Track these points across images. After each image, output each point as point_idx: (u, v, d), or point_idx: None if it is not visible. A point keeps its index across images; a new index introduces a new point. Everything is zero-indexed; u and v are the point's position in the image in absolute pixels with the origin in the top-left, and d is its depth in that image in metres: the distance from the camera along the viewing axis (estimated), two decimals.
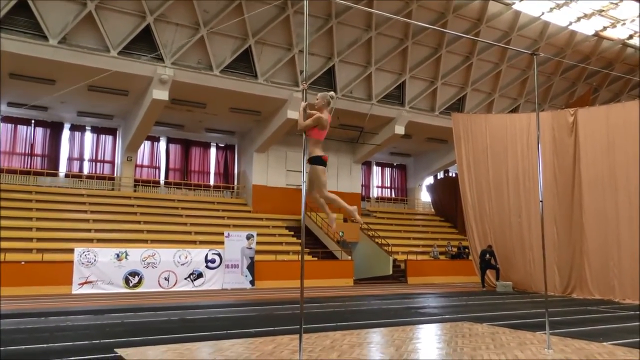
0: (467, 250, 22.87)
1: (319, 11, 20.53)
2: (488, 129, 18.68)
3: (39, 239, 17.47)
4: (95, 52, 18.02)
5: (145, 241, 18.67)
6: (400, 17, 20.19)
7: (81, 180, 22.73)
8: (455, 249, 24.81)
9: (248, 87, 20.70)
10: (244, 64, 20.74)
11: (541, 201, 7.93)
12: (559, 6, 22.55)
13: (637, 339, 7.89)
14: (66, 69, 17.94)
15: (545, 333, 7.19)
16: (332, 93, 6.02)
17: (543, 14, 23.23)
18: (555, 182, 16.66)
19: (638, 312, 11.73)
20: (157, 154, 25.19)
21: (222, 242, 18.12)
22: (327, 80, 22.56)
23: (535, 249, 16.77)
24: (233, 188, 26.14)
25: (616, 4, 22.22)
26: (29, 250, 16.67)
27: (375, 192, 31.34)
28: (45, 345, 7.16)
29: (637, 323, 9.95)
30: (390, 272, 21.66)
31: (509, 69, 26.22)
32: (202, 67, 20.01)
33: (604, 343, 7.50)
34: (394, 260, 22.14)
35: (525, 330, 8.60)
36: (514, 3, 22.43)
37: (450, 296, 15.66)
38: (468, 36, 22.05)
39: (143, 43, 18.86)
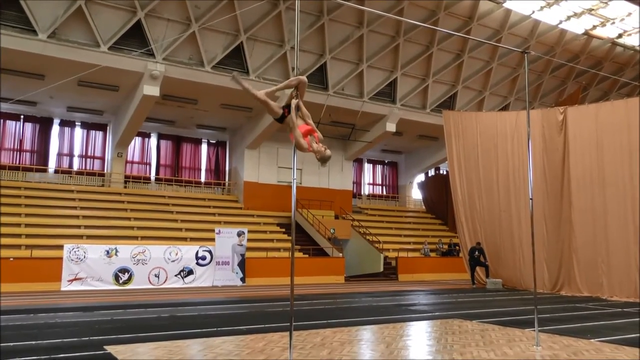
0: (457, 247, 22.95)
1: (311, 8, 20.48)
2: (479, 127, 18.74)
3: (28, 235, 17.31)
4: (85, 47, 17.86)
5: (135, 238, 18.57)
6: (391, 15, 20.02)
7: (71, 176, 22.56)
8: (445, 246, 24.89)
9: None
10: (235, 60, 20.64)
11: (531, 199, 7.96)
12: (549, 5, 22.66)
13: (624, 336, 7.96)
14: (56, 64, 17.76)
15: (534, 330, 7.24)
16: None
17: (533, 12, 23.33)
18: (544, 179, 16.75)
19: (638, 309, 11.83)
20: (148, 150, 25.06)
21: (212, 239, 18.06)
22: (318, 77, 22.52)
23: (525, 246, 16.87)
24: (224, 184, 26.06)
25: (606, 3, 22.34)
26: (18, 247, 16.53)
27: (366, 190, 31.39)
28: (33, 342, 7.10)
29: (624, 320, 10.03)
30: (381, 270, 21.69)
31: (499, 67, 26.32)
32: (194, 63, 19.90)
33: (592, 340, 7.56)
34: (385, 258, 22.17)
35: (514, 328, 8.65)
36: (504, 1, 22.50)
37: (440, 293, 15.72)
38: (459, 34, 22.11)
39: (134, 38, 18.70)
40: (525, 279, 16.87)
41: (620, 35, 25.84)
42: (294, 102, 5.70)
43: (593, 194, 15.69)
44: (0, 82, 18.42)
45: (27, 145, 22.53)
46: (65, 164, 23.11)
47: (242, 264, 17.95)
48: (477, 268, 18.42)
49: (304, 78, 5.72)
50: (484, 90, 26.83)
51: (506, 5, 22.74)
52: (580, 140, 16.16)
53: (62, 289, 15.32)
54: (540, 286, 15.97)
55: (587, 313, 11.20)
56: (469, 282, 18.81)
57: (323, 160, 5.70)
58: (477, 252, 18.11)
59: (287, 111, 5.72)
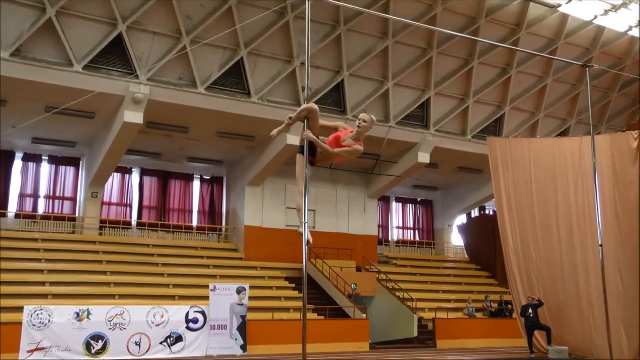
0: (510, 306, 22.58)
1: (325, 16, 20.82)
2: (532, 157, 18.66)
3: None
4: (55, 67, 18.25)
5: (112, 296, 18.57)
6: (422, 24, 20.43)
7: (35, 222, 22.76)
8: (495, 305, 24.51)
9: (239, 107, 20.87)
10: (234, 79, 20.96)
11: (601, 245, 7.82)
12: (615, 8, 22.70)
13: None
14: (20, 87, 18.14)
15: None
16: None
17: (596, 17, 23.39)
18: (617, 220, 16.54)
19: None
20: (129, 189, 25.28)
21: (207, 297, 18.02)
22: (335, 98, 22.75)
23: (596, 305, 16.51)
24: (221, 230, 26.09)
25: None
26: None
27: (395, 235, 31.23)
28: None
29: None
30: (415, 334, 21.44)
31: (555, 84, 26.37)
32: (184, 83, 20.24)
33: None
34: (420, 320, 21.91)
35: None
36: (560, 5, 22.66)
37: None
38: (505, 45, 22.24)
39: (114, 56, 19.13)
40: (598, 346, 16.46)
41: None
42: (306, 136, 5.75)
43: None
44: None
45: None
46: (28, 207, 23.34)
47: (242, 328, 17.80)
48: (536, 332, 18.06)
49: (314, 106, 5.80)
50: (538, 112, 26.84)
51: (562, 9, 22.89)
52: None
53: None
54: (618, 355, 15.51)
55: None
56: (525, 349, 18.42)
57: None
58: (530, 311, 17.78)
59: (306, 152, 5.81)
